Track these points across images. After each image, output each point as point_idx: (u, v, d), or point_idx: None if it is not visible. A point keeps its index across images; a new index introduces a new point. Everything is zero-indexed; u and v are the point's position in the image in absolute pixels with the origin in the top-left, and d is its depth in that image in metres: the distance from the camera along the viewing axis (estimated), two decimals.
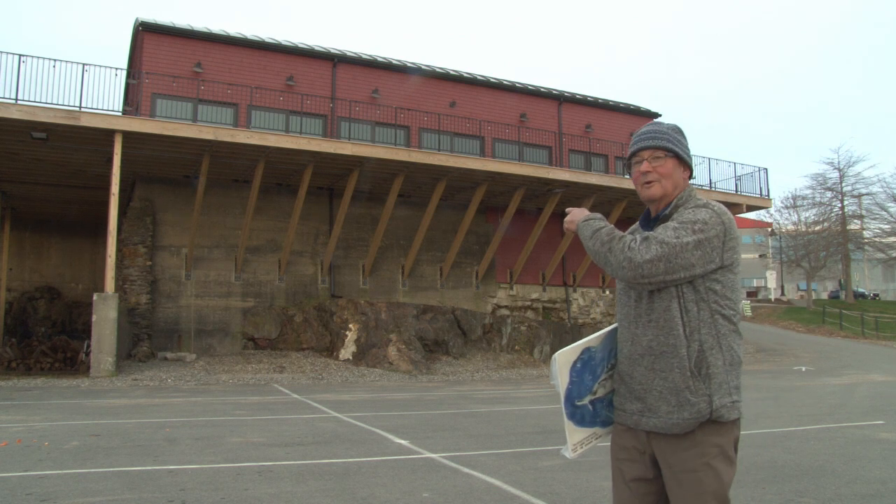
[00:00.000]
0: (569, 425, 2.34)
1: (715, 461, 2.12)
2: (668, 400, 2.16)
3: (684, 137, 2.39)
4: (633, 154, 2.39)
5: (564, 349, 2.32)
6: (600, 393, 2.38)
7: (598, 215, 2.34)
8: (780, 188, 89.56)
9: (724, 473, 2.13)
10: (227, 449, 6.64)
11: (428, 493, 4.98)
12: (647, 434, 2.24)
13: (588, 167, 25.18)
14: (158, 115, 19.06)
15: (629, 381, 2.29)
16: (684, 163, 2.34)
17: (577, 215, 2.40)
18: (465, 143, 23.50)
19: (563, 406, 2.32)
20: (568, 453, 2.37)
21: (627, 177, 26.02)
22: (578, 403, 2.34)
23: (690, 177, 2.37)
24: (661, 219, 2.31)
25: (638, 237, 2.19)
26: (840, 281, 53.70)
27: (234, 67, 20.56)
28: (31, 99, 15.42)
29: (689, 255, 2.13)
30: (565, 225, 2.44)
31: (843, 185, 44.15)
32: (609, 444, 2.45)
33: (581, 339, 2.43)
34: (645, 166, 2.33)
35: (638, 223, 2.47)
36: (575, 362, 2.32)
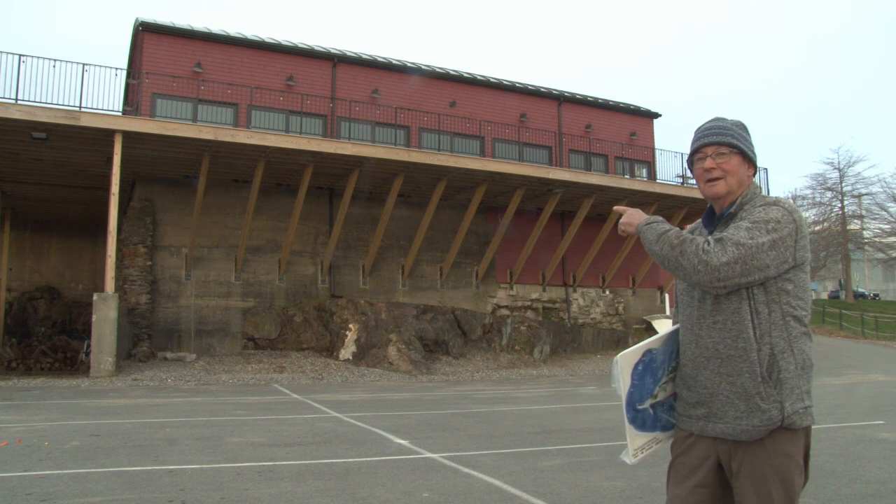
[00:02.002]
0: (630, 430, 2.27)
1: (785, 470, 2.07)
2: (737, 405, 2.10)
3: (748, 134, 2.31)
4: (697, 150, 2.31)
5: (626, 351, 2.26)
6: (661, 396, 2.32)
7: (660, 218, 2.25)
8: (780, 188, 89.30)
9: (795, 483, 2.07)
10: (227, 449, 6.64)
11: (428, 493, 4.98)
12: (714, 440, 2.17)
13: (588, 167, 25.18)
14: (158, 115, 19.07)
15: (693, 385, 2.22)
16: (749, 160, 2.27)
17: (634, 217, 2.30)
18: (465, 143, 23.51)
19: (623, 410, 2.26)
20: (628, 459, 2.30)
21: (627, 177, 26.04)
22: (639, 407, 2.28)
23: (755, 174, 2.30)
24: (726, 217, 2.25)
25: (711, 239, 2.10)
26: (840, 281, 53.71)
27: (234, 67, 20.57)
28: (31, 99, 15.46)
29: (764, 256, 2.06)
30: (621, 227, 2.35)
31: (843, 185, 44.22)
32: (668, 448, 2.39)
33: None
34: (709, 163, 2.26)
35: (700, 222, 2.40)
36: (636, 364, 2.26)
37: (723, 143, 2.25)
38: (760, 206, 2.17)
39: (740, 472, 2.12)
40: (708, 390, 2.17)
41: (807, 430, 2.13)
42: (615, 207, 2.46)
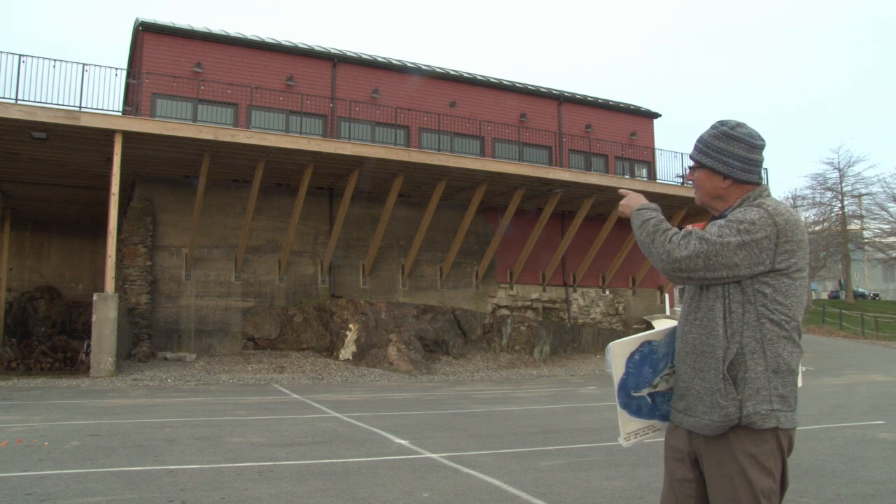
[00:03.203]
0: (622, 414, 2.36)
1: (748, 469, 2.08)
2: (704, 400, 2.15)
3: (730, 144, 2.26)
4: None
5: (620, 340, 2.35)
6: (662, 387, 2.38)
7: (653, 206, 2.35)
8: (780, 188, 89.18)
9: (757, 482, 2.07)
10: (227, 449, 6.64)
11: (428, 493, 4.98)
12: (689, 434, 2.23)
13: (588, 167, 25.18)
14: (158, 115, 19.07)
15: (678, 379, 2.30)
16: (719, 172, 2.27)
17: (633, 201, 2.41)
18: (465, 143, 23.51)
19: (616, 395, 2.34)
20: (621, 441, 2.39)
21: (627, 177, 26.05)
22: (635, 394, 2.35)
23: (747, 183, 2.26)
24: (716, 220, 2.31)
25: (682, 231, 2.19)
26: (840, 281, 53.72)
27: (234, 67, 20.56)
28: (31, 99, 15.46)
29: (731, 254, 2.09)
30: (620, 209, 2.46)
31: (843, 185, 44.22)
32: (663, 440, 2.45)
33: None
34: (688, 175, 2.39)
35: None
36: (633, 354, 2.34)
37: (692, 158, 2.36)
38: (745, 206, 2.20)
39: (709, 468, 2.17)
40: (686, 384, 2.23)
41: (776, 434, 2.10)
42: (620, 190, 2.54)
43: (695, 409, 2.18)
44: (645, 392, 2.36)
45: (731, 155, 2.27)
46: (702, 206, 2.37)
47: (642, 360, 2.34)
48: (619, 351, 2.32)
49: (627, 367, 2.32)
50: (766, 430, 2.09)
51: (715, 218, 2.34)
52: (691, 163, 2.38)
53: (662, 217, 2.30)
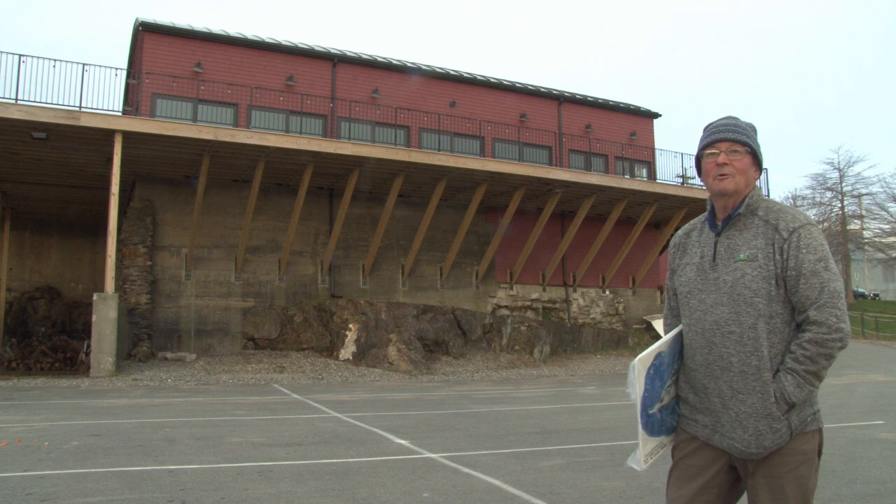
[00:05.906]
0: (642, 435, 2.24)
1: (801, 467, 2.09)
2: (745, 426, 2.10)
3: (757, 136, 2.32)
4: (708, 145, 2.28)
5: (642, 355, 2.22)
6: (666, 399, 2.29)
7: (794, 397, 2.08)
8: (781, 188, 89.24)
9: (809, 479, 2.10)
10: (227, 449, 6.64)
11: (428, 493, 4.98)
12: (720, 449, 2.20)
13: (588, 167, 25.18)
14: (158, 115, 19.07)
15: (701, 392, 2.21)
16: (758, 162, 2.28)
17: (790, 402, 2.10)
18: (465, 143, 23.51)
19: (638, 415, 2.22)
20: (638, 465, 2.24)
21: (627, 177, 26.03)
22: (650, 412, 2.25)
23: (759, 178, 2.33)
24: (733, 218, 2.23)
25: (812, 312, 2.06)
26: None
27: (234, 67, 20.57)
28: (31, 99, 15.46)
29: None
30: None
31: (843, 185, 44.25)
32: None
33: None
34: (722, 158, 2.23)
35: (704, 221, 2.35)
36: (649, 369, 2.23)
37: (737, 141, 2.24)
38: (799, 226, 2.14)
39: (756, 472, 2.13)
40: (721, 400, 2.16)
41: (819, 430, 2.18)
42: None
43: (732, 431, 2.13)
44: (656, 408, 2.26)
45: (759, 148, 2.30)
46: (723, 193, 2.23)
47: (655, 374, 2.25)
48: (643, 367, 2.21)
49: (645, 383, 2.22)
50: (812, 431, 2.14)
51: (716, 223, 2.28)
52: (734, 146, 2.24)
53: (796, 370, 2.08)
